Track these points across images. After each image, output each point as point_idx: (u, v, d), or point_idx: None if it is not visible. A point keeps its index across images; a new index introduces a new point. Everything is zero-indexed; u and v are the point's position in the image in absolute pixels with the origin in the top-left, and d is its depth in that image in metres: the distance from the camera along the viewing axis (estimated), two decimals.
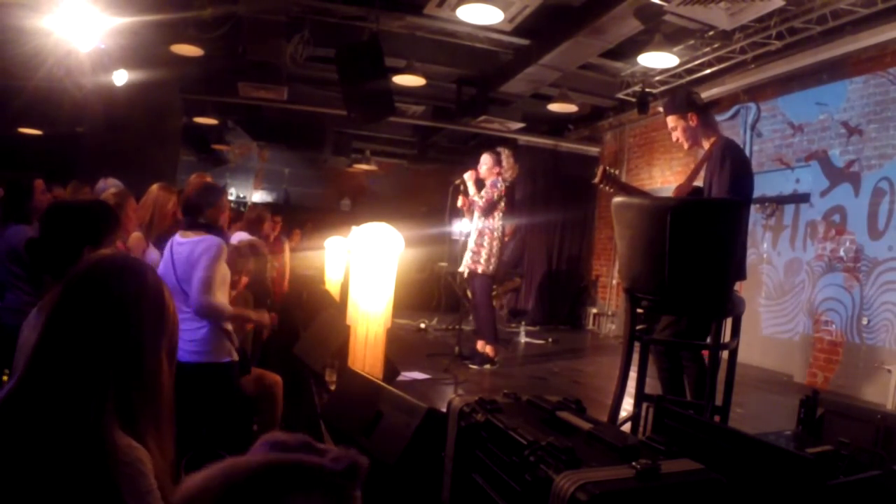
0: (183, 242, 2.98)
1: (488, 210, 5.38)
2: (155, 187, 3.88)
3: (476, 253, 5.39)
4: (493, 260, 5.39)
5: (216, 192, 3.27)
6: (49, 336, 1.11)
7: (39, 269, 1.87)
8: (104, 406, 1.05)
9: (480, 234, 5.40)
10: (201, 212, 3.07)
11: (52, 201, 3.56)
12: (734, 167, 2.96)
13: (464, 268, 5.45)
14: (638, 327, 2.94)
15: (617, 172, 3.31)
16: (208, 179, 4.44)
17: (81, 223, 1.83)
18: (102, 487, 0.99)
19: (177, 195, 3.99)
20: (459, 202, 5.55)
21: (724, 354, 2.91)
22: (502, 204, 5.46)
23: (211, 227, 3.06)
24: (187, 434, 2.53)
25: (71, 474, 0.98)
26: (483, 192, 5.38)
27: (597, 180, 3.23)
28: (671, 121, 3.23)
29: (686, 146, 3.24)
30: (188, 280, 2.87)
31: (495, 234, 5.40)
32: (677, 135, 3.21)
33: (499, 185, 5.40)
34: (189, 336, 2.85)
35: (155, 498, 1.05)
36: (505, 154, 5.52)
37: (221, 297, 2.96)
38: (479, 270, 5.36)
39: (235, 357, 3.10)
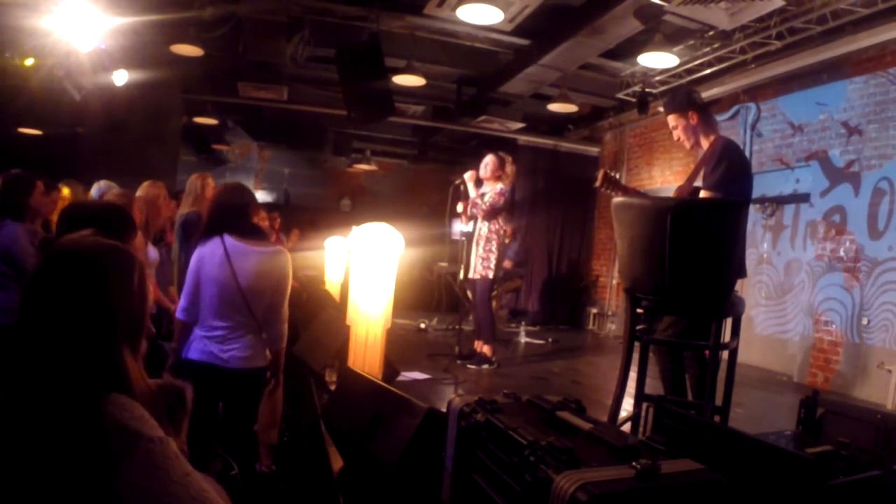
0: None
1: (492, 214, 5.38)
2: (144, 185, 3.88)
3: (486, 259, 5.41)
4: (499, 264, 5.49)
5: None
6: (24, 313, 1.11)
7: None
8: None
9: (488, 240, 5.40)
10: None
11: (50, 203, 3.56)
12: (729, 167, 2.96)
13: (475, 275, 5.45)
14: (638, 327, 2.94)
15: (618, 176, 3.31)
16: (209, 179, 4.45)
17: (95, 226, 1.84)
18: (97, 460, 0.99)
19: (165, 191, 3.99)
20: (459, 208, 5.56)
21: (724, 354, 2.92)
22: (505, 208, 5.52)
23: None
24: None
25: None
26: (487, 197, 5.37)
27: (598, 184, 3.23)
28: (672, 119, 3.25)
29: (688, 145, 3.25)
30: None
31: (501, 238, 5.47)
32: (678, 133, 3.24)
33: (506, 194, 5.44)
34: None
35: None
36: (508, 161, 5.54)
37: None
38: (491, 276, 5.42)
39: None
